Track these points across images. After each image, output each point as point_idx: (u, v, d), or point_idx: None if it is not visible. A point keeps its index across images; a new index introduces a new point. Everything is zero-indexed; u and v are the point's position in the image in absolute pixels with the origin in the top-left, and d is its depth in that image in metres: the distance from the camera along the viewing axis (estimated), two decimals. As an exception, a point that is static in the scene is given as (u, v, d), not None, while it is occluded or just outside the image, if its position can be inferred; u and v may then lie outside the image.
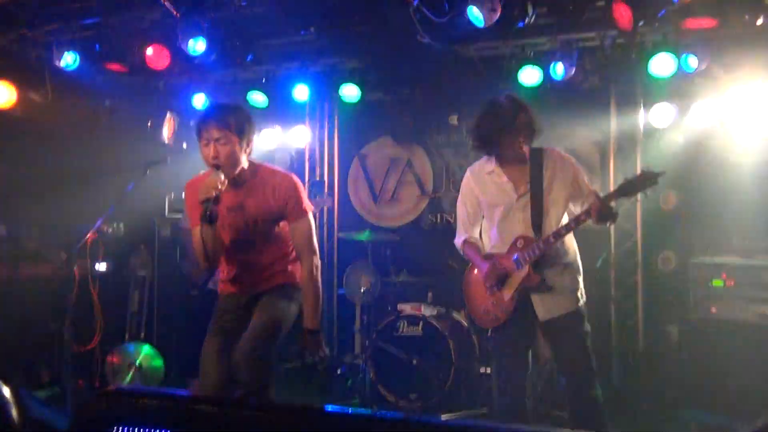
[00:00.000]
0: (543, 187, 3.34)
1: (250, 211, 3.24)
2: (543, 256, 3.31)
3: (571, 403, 3.55)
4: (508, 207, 3.42)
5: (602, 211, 3.15)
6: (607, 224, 3.32)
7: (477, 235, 3.62)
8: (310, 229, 3.28)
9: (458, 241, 3.65)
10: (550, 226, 3.34)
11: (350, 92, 5.54)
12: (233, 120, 3.09)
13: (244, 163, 3.21)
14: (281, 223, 3.35)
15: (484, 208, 3.54)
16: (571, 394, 3.49)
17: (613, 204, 3.21)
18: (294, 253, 3.38)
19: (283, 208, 3.23)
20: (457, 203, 3.69)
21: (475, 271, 3.62)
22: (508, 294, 3.39)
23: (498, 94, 3.47)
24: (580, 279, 3.47)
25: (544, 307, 3.36)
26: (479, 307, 3.56)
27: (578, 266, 3.48)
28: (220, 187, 3.00)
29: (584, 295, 3.46)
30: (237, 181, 3.21)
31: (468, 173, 3.63)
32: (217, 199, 2.99)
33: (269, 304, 3.28)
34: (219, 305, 3.42)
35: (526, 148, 3.38)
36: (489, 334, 3.65)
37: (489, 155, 3.48)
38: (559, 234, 3.28)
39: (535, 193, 3.34)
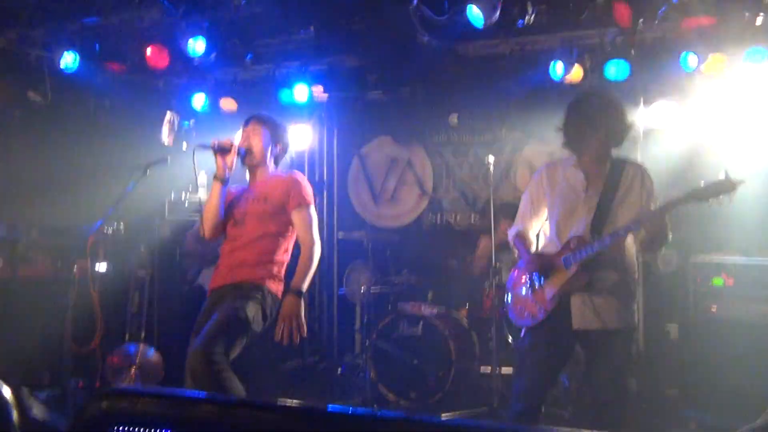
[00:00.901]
0: (616, 195, 3.14)
1: (258, 197, 3.51)
2: (595, 260, 3.07)
3: (591, 415, 3.32)
4: (574, 204, 3.20)
5: (651, 221, 3.00)
6: (658, 246, 3.18)
7: (533, 233, 3.41)
8: (311, 219, 3.51)
9: (511, 232, 3.44)
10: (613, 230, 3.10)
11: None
12: (270, 122, 3.68)
13: (269, 165, 3.63)
14: (279, 225, 3.48)
15: (550, 204, 3.31)
16: (593, 414, 3.25)
17: (664, 220, 3.04)
18: (275, 266, 3.48)
19: (286, 197, 3.47)
20: (522, 195, 3.49)
21: (520, 266, 3.42)
22: (549, 292, 3.15)
23: (590, 90, 3.38)
24: (634, 301, 3.22)
25: (581, 315, 3.08)
26: (516, 304, 3.36)
27: (635, 287, 3.26)
28: (230, 141, 3.49)
29: (637, 319, 3.23)
30: (254, 175, 3.63)
31: (544, 167, 3.43)
32: (220, 147, 3.45)
33: (226, 303, 3.36)
34: (202, 307, 3.58)
35: (610, 152, 3.23)
36: (522, 334, 3.36)
37: (573, 152, 3.30)
38: (617, 235, 3.03)
39: (605, 198, 3.14)
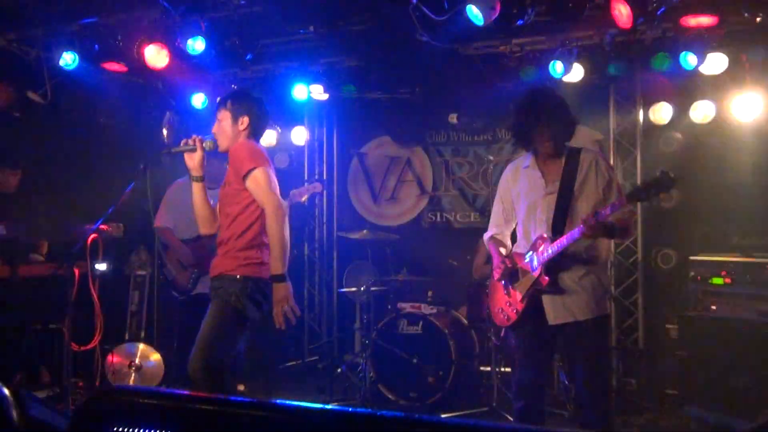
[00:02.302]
0: (573, 187, 3.18)
1: (225, 179, 3.49)
2: (561, 259, 3.13)
3: (580, 410, 3.39)
4: (534, 203, 3.27)
5: (591, 230, 2.95)
6: (621, 238, 3.23)
7: (507, 233, 3.50)
8: (258, 181, 3.33)
9: (486, 236, 3.56)
10: (572, 229, 3.12)
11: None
12: (228, 101, 3.51)
13: (237, 141, 3.48)
14: (239, 205, 3.40)
15: (516, 203, 3.41)
16: (580, 403, 3.35)
17: (611, 224, 3.01)
18: (247, 252, 3.35)
19: (234, 174, 3.38)
20: (494, 199, 3.58)
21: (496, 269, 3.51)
22: (519, 294, 3.26)
23: (533, 86, 3.41)
24: (605, 290, 3.26)
25: (553, 311, 3.17)
26: (495, 306, 3.48)
27: (605, 277, 3.31)
28: (192, 142, 3.44)
29: (609, 308, 3.29)
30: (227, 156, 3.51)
31: (507, 168, 3.51)
32: (185, 149, 3.44)
33: (210, 304, 3.37)
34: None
35: (561, 145, 3.25)
36: (502, 334, 3.54)
37: (526, 150, 3.37)
38: (573, 237, 3.04)
39: (564, 193, 3.18)
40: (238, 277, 3.30)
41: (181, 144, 3.47)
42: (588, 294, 3.15)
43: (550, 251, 3.11)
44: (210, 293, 3.43)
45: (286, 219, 3.32)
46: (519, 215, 3.39)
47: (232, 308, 3.27)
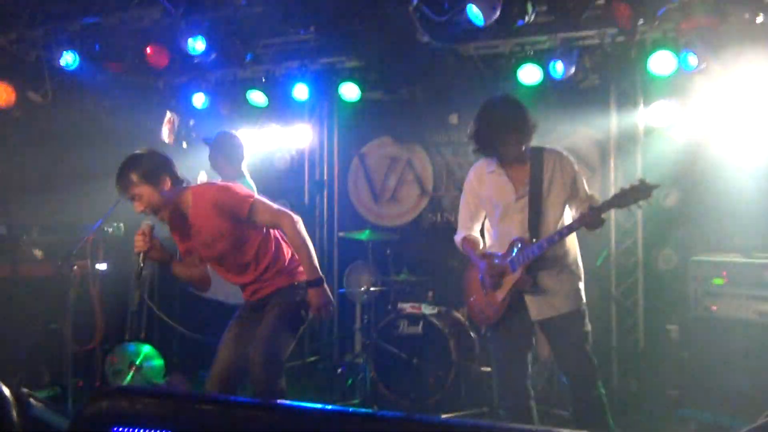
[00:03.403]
0: (542, 189, 3.32)
1: (206, 234, 3.32)
2: (538, 259, 3.28)
3: (574, 403, 3.55)
4: (507, 207, 3.39)
5: (592, 223, 3.16)
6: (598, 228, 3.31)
7: (476, 233, 3.61)
8: (263, 207, 3.31)
9: (458, 239, 3.65)
10: (547, 229, 3.31)
11: (350, 92, 5.56)
12: (131, 175, 3.16)
13: (181, 196, 3.29)
14: (251, 244, 3.38)
15: (486, 207, 3.52)
16: (573, 394, 3.49)
17: (604, 216, 3.19)
18: (276, 270, 3.44)
19: (230, 213, 3.25)
20: (460, 201, 3.69)
21: (474, 269, 3.61)
22: (500, 295, 3.38)
23: (493, 95, 3.46)
24: (580, 282, 3.43)
25: (537, 308, 3.34)
26: (475, 306, 3.57)
27: (578, 268, 3.45)
28: (145, 237, 3.22)
29: (584, 297, 3.44)
30: (179, 214, 3.33)
31: (471, 171, 3.61)
32: (150, 250, 3.24)
33: (269, 314, 3.38)
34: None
35: (524, 148, 3.34)
36: (483, 332, 3.71)
37: (488, 157, 3.46)
38: (552, 240, 3.23)
39: (534, 194, 3.31)
40: (296, 283, 3.40)
41: (140, 256, 3.26)
42: (567, 288, 3.35)
43: (533, 251, 3.24)
44: (258, 305, 3.47)
45: (302, 224, 3.36)
46: (492, 218, 3.49)
47: (296, 311, 3.35)
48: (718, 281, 4.52)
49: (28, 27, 5.07)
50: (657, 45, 4.71)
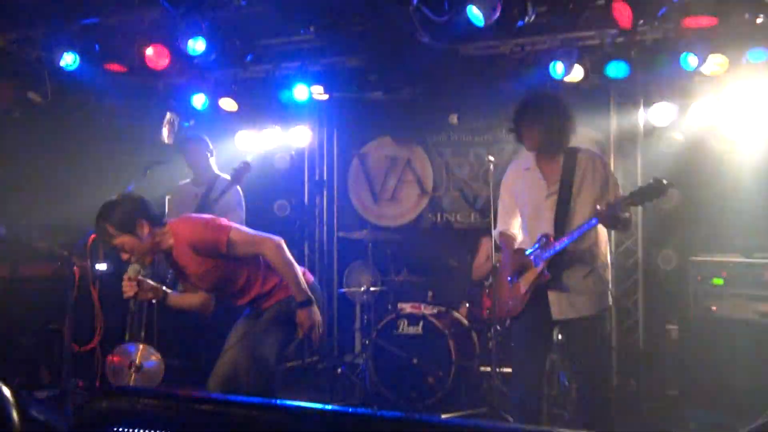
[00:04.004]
0: (572, 188, 3.36)
1: (193, 272, 3.31)
2: (565, 256, 3.32)
3: (581, 403, 3.59)
4: (537, 204, 3.45)
5: (607, 219, 3.18)
6: (625, 229, 3.43)
7: (514, 228, 3.66)
8: (241, 240, 3.22)
9: (495, 233, 3.76)
10: (572, 228, 3.33)
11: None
12: (107, 227, 3.13)
13: (162, 237, 3.25)
14: (241, 274, 3.36)
15: (519, 203, 3.59)
16: (581, 397, 3.52)
17: (627, 215, 3.24)
18: (269, 290, 3.43)
19: (209, 252, 3.20)
20: (499, 198, 3.77)
21: (504, 263, 3.71)
22: (523, 288, 3.44)
23: (537, 89, 3.59)
24: (607, 286, 3.47)
25: (558, 307, 3.37)
26: (500, 298, 3.68)
27: (606, 272, 3.48)
28: (131, 282, 3.23)
29: (610, 300, 3.48)
30: (167, 257, 3.33)
31: (509, 167, 3.71)
32: (139, 292, 3.27)
33: (263, 319, 3.40)
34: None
35: (560, 146, 3.42)
36: (507, 324, 3.84)
37: (529, 151, 3.55)
38: (572, 236, 3.26)
39: (563, 193, 3.37)
40: (285, 299, 3.37)
41: (132, 303, 3.36)
42: (591, 291, 3.37)
43: (555, 247, 3.30)
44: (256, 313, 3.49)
45: (284, 246, 3.28)
46: (523, 215, 3.55)
47: (291, 318, 3.32)
48: (718, 281, 4.52)
49: (28, 27, 5.06)
50: (657, 45, 4.71)
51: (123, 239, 3.12)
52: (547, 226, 3.38)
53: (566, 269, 3.35)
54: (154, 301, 3.40)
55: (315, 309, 3.28)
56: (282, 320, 3.37)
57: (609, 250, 3.55)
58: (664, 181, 3.10)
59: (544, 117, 3.38)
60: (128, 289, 3.23)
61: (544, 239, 3.37)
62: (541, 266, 3.35)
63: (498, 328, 5.05)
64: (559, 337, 3.80)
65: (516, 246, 3.61)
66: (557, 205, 3.36)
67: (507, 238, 3.64)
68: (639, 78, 5.34)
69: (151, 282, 3.35)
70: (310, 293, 3.28)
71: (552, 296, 3.38)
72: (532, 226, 3.48)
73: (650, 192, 3.11)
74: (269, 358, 3.32)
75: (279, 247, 3.24)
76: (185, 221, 3.34)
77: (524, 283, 3.43)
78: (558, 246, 3.28)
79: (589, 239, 3.36)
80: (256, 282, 3.38)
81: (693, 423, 4.42)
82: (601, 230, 3.43)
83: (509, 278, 3.54)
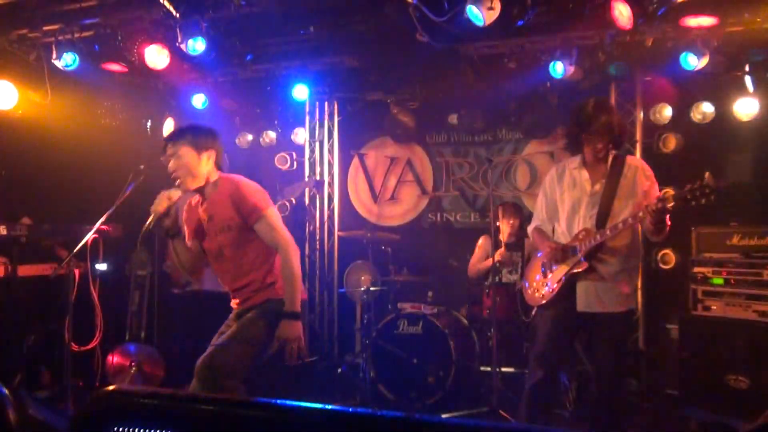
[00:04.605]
0: (616, 189, 3.47)
1: (217, 222, 3.28)
2: (600, 250, 3.43)
3: (595, 400, 3.62)
4: (580, 201, 3.56)
5: (655, 213, 3.18)
6: (661, 229, 3.35)
7: (549, 227, 3.76)
8: (271, 224, 3.23)
9: (530, 228, 3.87)
10: (615, 222, 3.43)
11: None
12: (186, 134, 3.26)
13: (212, 177, 3.29)
14: (253, 246, 3.30)
15: (560, 200, 3.68)
16: (597, 391, 3.57)
17: (667, 211, 3.24)
18: (268, 280, 3.33)
19: (239, 217, 3.21)
20: (538, 194, 3.86)
21: (538, 255, 3.81)
22: (558, 276, 3.55)
23: (590, 97, 3.59)
24: (635, 288, 3.62)
25: (585, 299, 3.46)
26: (530, 287, 3.76)
27: (636, 274, 3.63)
28: (169, 201, 3.18)
29: (635, 301, 3.55)
30: (204, 195, 3.32)
31: (554, 168, 3.81)
32: (165, 214, 3.19)
33: (245, 320, 3.28)
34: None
35: (608, 151, 3.53)
36: (534, 312, 3.90)
37: (573, 154, 3.68)
38: (615, 228, 3.36)
39: (607, 193, 3.48)
40: (277, 299, 3.27)
41: (153, 217, 3.20)
42: (621, 288, 3.47)
43: (596, 238, 3.40)
44: (243, 313, 3.37)
45: (298, 257, 3.28)
46: (564, 209, 3.65)
47: (269, 324, 3.24)
48: (717, 281, 4.53)
49: (28, 27, 5.07)
50: (657, 45, 4.71)
51: (186, 151, 3.22)
52: (587, 222, 3.50)
53: (601, 263, 3.45)
54: (166, 235, 3.30)
55: (299, 325, 3.19)
56: (269, 321, 3.25)
57: (640, 259, 3.66)
58: (712, 183, 3.05)
59: (604, 128, 3.46)
60: (162, 204, 3.20)
61: (582, 232, 3.49)
62: (579, 254, 3.45)
63: (493, 329, 5.06)
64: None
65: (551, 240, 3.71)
66: (600, 203, 3.47)
67: (541, 232, 3.75)
68: (639, 78, 5.35)
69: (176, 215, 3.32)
70: (299, 309, 3.21)
71: (581, 288, 3.47)
72: (571, 221, 3.58)
73: (701, 192, 3.07)
74: (238, 367, 3.20)
75: (296, 253, 3.25)
76: (239, 177, 3.38)
77: (559, 272, 3.54)
78: (599, 237, 3.38)
79: (627, 238, 3.46)
80: (259, 268, 3.31)
81: (693, 422, 4.42)
82: (637, 234, 3.53)
83: (542, 268, 3.65)
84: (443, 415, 4.60)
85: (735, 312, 4.40)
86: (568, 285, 3.50)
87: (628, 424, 4.72)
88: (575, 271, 3.47)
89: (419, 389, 5.06)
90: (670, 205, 3.16)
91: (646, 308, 5.68)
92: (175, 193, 3.23)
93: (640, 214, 3.27)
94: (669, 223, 3.38)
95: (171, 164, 3.24)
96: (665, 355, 5.18)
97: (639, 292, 5.71)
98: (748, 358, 4.18)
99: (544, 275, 3.66)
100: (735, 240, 4.67)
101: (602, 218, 3.45)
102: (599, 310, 3.44)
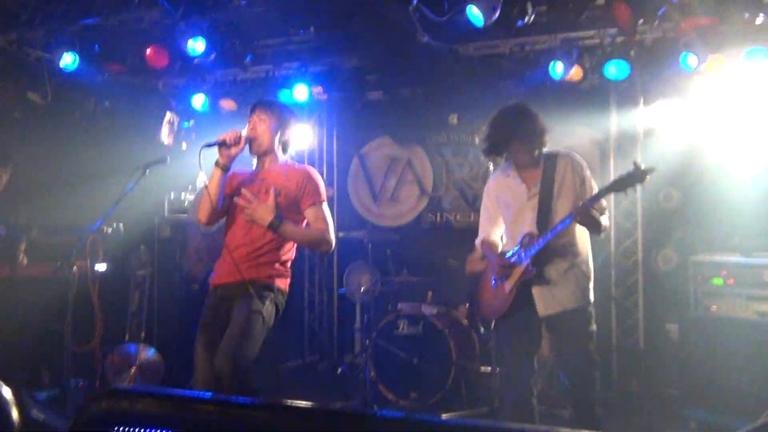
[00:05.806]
0: (553, 190, 3.47)
1: (271, 182, 3.44)
2: (546, 252, 3.40)
3: (572, 402, 3.65)
4: (520, 207, 3.55)
5: (581, 214, 3.25)
6: (594, 228, 3.40)
7: (496, 236, 3.75)
8: (326, 215, 3.47)
9: (477, 241, 3.82)
10: (554, 225, 3.42)
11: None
12: (277, 104, 3.68)
13: (277, 152, 3.55)
14: (297, 212, 3.45)
15: (501, 209, 3.67)
16: (572, 393, 3.57)
17: (594, 213, 3.28)
18: (282, 264, 3.44)
19: (300, 193, 3.43)
20: (481, 206, 3.85)
21: (487, 268, 3.75)
22: (508, 286, 3.51)
23: (507, 103, 3.64)
24: (589, 282, 3.54)
25: (543, 302, 3.45)
26: (484, 300, 3.73)
27: (588, 269, 3.56)
28: (239, 139, 3.43)
29: (592, 298, 3.54)
30: (262, 162, 3.56)
31: (491, 177, 3.82)
32: (226, 146, 3.40)
33: (242, 304, 3.29)
34: (205, 303, 3.54)
35: (537, 153, 3.53)
36: (492, 327, 3.81)
37: (498, 159, 3.69)
38: (555, 230, 3.36)
39: (544, 195, 3.48)
40: (274, 286, 3.38)
41: (221, 139, 3.40)
42: (573, 285, 3.46)
43: (539, 242, 3.39)
44: (225, 287, 3.40)
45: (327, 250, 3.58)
46: (506, 219, 3.65)
47: (267, 314, 3.30)
48: (718, 281, 4.53)
49: (28, 27, 5.07)
50: (657, 45, 4.71)
51: (270, 121, 3.51)
52: (530, 227, 3.48)
53: (548, 264, 3.44)
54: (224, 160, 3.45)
55: (273, 220, 3.30)
56: (265, 316, 3.30)
57: (590, 252, 3.61)
58: (643, 166, 3.18)
59: (527, 134, 3.49)
60: (231, 136, 3.43)
61: (526, 238, 3.47)
62: (526, 262, 3.43)
63: (482, 331, 5.10)
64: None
65: (501, 250, 3.68)
66: (538, 207, 3.48)
67: (489, 244, 3.73)
68: (639, 78, 5.35)
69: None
70: (281, 222, 3.33)
71: (536, 292, 3.45)
72: (514, 229, 3.58)
73: (630, 178, 3.19)
74: (250, 360, 3.25)
75: (328, 242, 3.47)
76: (309, 166, 3.69)
77: (510, 282, 3.50)
78: (541, 241, 3.37)
79: (569, 235, 3.45)
80: (281, 246, 3.42)
81: (693, 423, 4.42)
82: (582, 228, 3.50)
83: (493, 281, 3.60)
84: (443, 415, 4.60)
85: (735, 312, 4.40)
86: (523, 292, 3.48)
87: (628, 424, 4.73)
88: (524, 277, 3.45)
89: (419, 389, 5.06)
90: (589, 210, 3.23)
91: (646, 308, 5.68)
92: (245, 134, 3.48)
93: (569, 219, 3.30)
94: (605, 223, 3.41)
95: (249, 125, 3.52)
96: (665, 355, 5.18)
97: (639, 291, 5.72)
98: (748, 358, 4.18)
99: (496, 287, 3.61)
100: (735, 240, 4.69)
101: (543, 221, 3.45)
102: (558, 309, 3.43)
